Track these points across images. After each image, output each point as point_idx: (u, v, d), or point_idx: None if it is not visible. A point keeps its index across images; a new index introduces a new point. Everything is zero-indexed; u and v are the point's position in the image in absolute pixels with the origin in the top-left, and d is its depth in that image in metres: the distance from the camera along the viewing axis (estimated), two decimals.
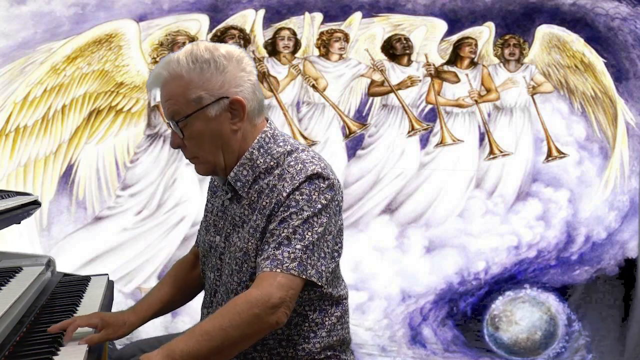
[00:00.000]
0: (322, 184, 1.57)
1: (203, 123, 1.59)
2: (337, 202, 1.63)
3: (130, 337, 1.81)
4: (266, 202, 1.59)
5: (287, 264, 1.51)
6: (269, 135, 1.66)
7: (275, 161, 1.63)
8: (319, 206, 1.56)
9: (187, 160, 1.71)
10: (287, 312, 1.51)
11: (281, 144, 1.66)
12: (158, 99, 3.93)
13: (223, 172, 1.67)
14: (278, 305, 1.48)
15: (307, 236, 1.53)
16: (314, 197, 1.56)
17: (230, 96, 1.59)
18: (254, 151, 1.64)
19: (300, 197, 1.55)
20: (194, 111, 1.58)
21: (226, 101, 1.59)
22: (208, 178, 1.83)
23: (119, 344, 2.62)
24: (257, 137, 1.65)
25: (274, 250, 1.53)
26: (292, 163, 1.61)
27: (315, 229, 1.55)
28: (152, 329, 1.82)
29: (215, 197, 1.79)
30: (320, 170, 1.58)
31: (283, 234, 1.53)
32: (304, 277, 1.52)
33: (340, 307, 1.72)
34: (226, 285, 1.68)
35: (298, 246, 1.52)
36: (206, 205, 1.85)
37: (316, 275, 1.55)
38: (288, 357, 1.65)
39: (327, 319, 1.68)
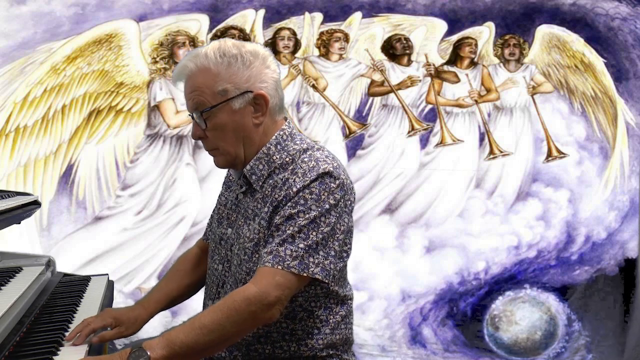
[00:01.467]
0: (332, 184, 1.59)
1: (227, 115, 1.64)
2: (348, 202, 1.65)
3: (130, 337, 1.82)
4: (277, 195, 1.62)
5: (288, 262, 1.54)
6: (287, 133, 1.70)
7: (290, 157, 1.66)
8: (327, 206, 1.58)
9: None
10: (281, 309, 1.56)
11: (298, 142, 1.69)
12: (158, 98, 3.94)
13: (241, 165, 1.70)
14: (273, 304, 1.52)
15: (311, 236, 1.56)
16: (322, 197, 1.58)
17: (254, 90, 1.63)
18: (271, 147, 1.68)
19: (310, 196, 1.57)
20: (219, 103, 1.62)
21: (250, 95, 1.63)
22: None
23: (119, 343, 2.62)
24: (275, 134, 1.69)
25: (277, 246, 1.56)
26: (305, 159, 1.64)
27: (322, 228, 1.57)
28: (152, 328, 1.83)
29: (230, 191, 1.82)
30: (331, 169, 1.60)
31: (288, 231, 1.56)
32: (305, 274, 1.55)
33: (345, 307, 1.74)
34: (235, 275, 1.70)
35: (301, 245, 1.55)
36: (219, 198, 1.87)
37: (321, 272, 1.57)
38: (290, 352, 1.67)
39: (331, 316, 1.70)
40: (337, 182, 1.60)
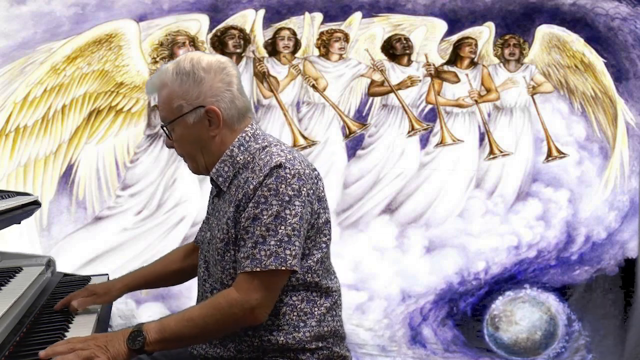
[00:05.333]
0: (287, 174, 1.64)
1: (183, 129, 1.75)
2: (310, 191, 1.68)
3: (130, 318, 1.94)
4: (239, 194, 1.68)
5: (264, 262, 1.60)
6: (249, 134, 1.76)
7: (251, 156, 1.73)
8: (287, 198, 1.62)
9: None
10: (267, 311, 1.64)
11: (260, 141, 1.76)
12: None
13: (206, 171, 1.81)
14: (256, 307, 1.61)
15: (280, 230, 1.61)
16: (280, 189, 1.62)
17: (206, 105, 1.71)
18: (234, 149, 1.75)
19: (268, 193, 1.63)
20: (175, 118, 1.74)
21: (202, 110, 1.72)
22: (208, 178, 1.88)
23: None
24: (238, 136, 1.76)
25: (251, 249, 1.62)
26: (262, 156, 1.70)
27: (289, 220, 1.62)
28: (150, 318, 1.86)
29: (211, 197, 1.92)
30: (284, 161, 1.65)
31: (257, 232, 1.62)
32: (284, 268, 1.61)
33: (330, 299, 1.78)
34: (213, 276, 1.78)
35: (272, 242, 1.61)
36: (208, 205, 1.98)
37: (298, 263, 1.64)
38: (279, 344, 1.71)
39: (316, 309, 1.74)
40: (292, 172, 1.64)
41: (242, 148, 1.74)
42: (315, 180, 1.72)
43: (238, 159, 1.73)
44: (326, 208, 1.76)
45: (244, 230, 1.64)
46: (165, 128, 1.78)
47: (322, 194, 1.75)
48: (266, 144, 1.74)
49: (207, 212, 1.90)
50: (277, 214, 1.61)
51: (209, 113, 1.71)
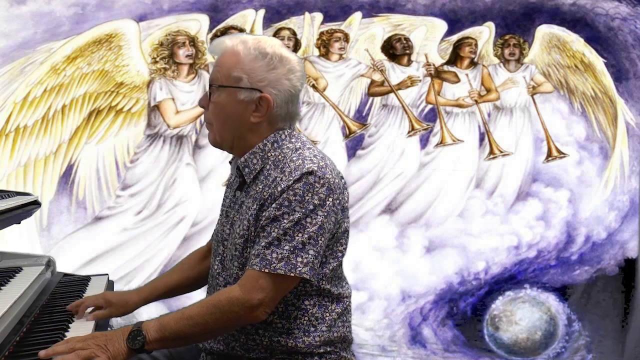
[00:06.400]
0: (316, 183, 1.62)
1: (229, 99, 1.70)
2: (336, 201, 1.67)
3: (129, 317, 1.90)
4: (265, 193, 1.66)
5: (274, 264, 1.59)
6: (286, 134, 1.75)
7: (283, 155, 1.70)
8: (311, 207, 1.61)
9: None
10: (267, 310, 1.62)
11: (293, 141, 1.74)
12: (158, 98, 3.95)
13: (229, 148, 1.78)
14: (257, 306, 1.59)
15: (297, 237, 1.60)
16: (306, 197, 1.61)
17: (263, 91, 1.69)
18: (268, 143, 1.73)
19: (294, 198, 1.61)
20: (228, 86, 1.70)
21: (257, 94, 1.69)
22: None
23: (121, 323, 2.62)
24: (274, 132, 1.74)
25: (264, 249, 1.61)
26: (294, 158, 1.67)
27: (308, 228, 1.61)
28: (149, 316, 1.87)
29: (230, 190, 1.87)
30: (316, 168, 1.63)
31: (273, 234, 1.61)
32: (292, 274, 1.59)
33: (342, 305, 1.77)
34: (228, 271, 1.76)
35: (286, 247, 1.60)
36: (223, 199, 1.94)
37: (310, 272, 1.62)
38: (288, 347, 1.70)
39: (327, 314, 1.73)
40: (322, 181, 1.63)
41: (275, 145, 1.72)
42: (342, 190, 1.71)
43: (269, 154, 1.71)
44: (347, 217, 1.75)
45: (261, 228, 1.64)
46: (211, 88, 1.73)
47: (346, 204, 1.75)
48: (299, 145, 1.72)
49: (226, 205, 1.85)
50: (298, 221, 1.60)
51: (262, 100, 1.68)
